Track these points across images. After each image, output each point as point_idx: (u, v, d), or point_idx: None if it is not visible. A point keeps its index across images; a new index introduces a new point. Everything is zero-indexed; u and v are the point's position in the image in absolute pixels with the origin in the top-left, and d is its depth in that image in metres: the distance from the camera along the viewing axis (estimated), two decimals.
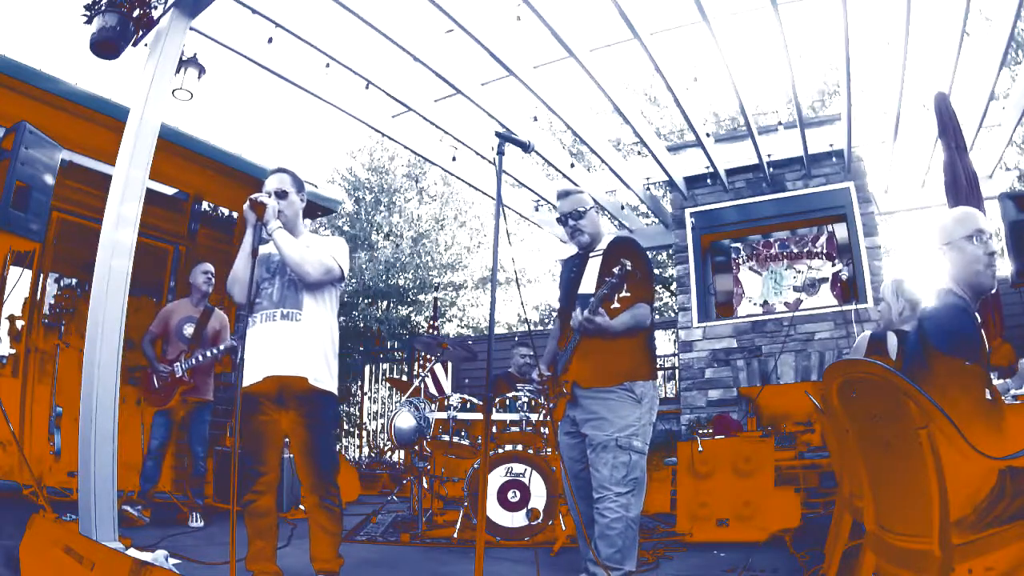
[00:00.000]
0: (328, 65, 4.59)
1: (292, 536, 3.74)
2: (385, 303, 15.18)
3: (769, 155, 6.67)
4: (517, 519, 3.97)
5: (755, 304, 7.07)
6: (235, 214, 6.72)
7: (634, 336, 2.74)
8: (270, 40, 4.19)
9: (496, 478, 4.02)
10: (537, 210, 8.02)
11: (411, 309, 15.49)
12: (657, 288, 12.87)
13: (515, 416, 4.27)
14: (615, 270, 2.56)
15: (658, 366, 5.59)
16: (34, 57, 6.37)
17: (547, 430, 4.22)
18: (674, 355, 9.09)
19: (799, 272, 6.96)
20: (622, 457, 2.60)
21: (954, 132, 4.24)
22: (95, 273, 3.00)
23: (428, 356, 8.28)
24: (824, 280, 6.81)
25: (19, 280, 4.94)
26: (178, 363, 4.41)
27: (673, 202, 7.62)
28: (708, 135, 6.55)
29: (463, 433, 4.39)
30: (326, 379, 2.55)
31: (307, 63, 4.65)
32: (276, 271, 2.61)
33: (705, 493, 4.18)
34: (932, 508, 1.59)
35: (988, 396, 1.79)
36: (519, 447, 4.10)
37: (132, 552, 2.49)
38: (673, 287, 11.84)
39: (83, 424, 2.84)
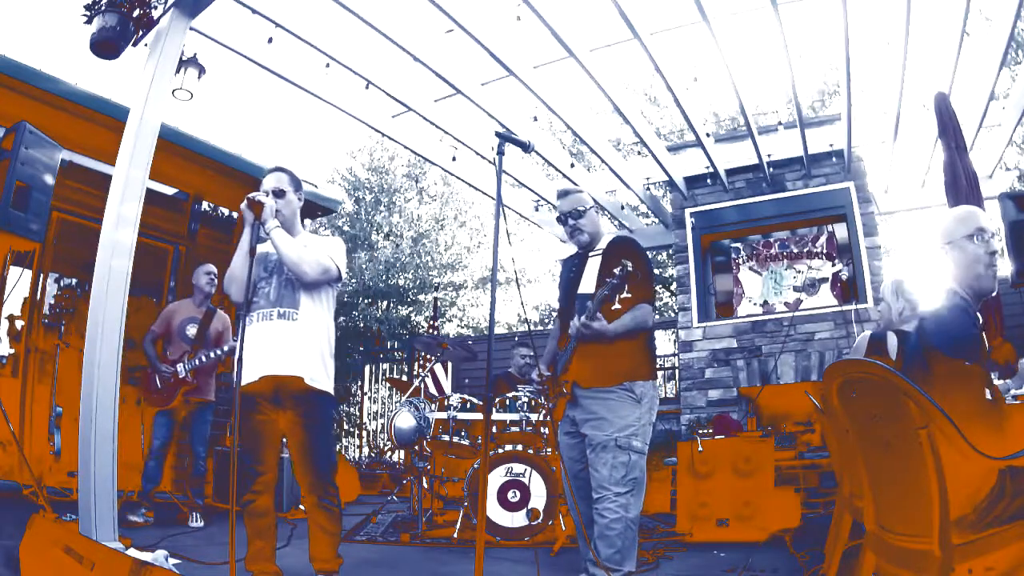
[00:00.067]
0: (328, 65, 4.59)
1: (292, 536, 3.75)
2: (385, 303, 15.17)
3: (769, 155, 6.67)
4: (517, 519, 3.97)
5: (755, 304, 7.07)
6: (235, 214, 6.72)
7: (635, 337, 2.74)
8: (270, 40, 4.19)
9: (496, 478, 4.02)
10: (537, 210, 8.02)
11: (411, 309, 15.48)
12: (657, 288, 12.86)
13: (515, 416, 4.27)
14: (616, 271, 2.55)
15: (658, 366, 5.60)
16: (34, 57, 6.37)
17: (547, 430, 4.22)
18: (674, 355, 9.09)
19: (799, 272, 6.96)
20: (621, 457, 2.60)
21: (954, 132, 4.23)
22: (95, 273, 3.00)
23: (428, 356, 8.28)
24: (824, 280, 6.81)
25: (19, 280, 4.93)
26: (181, 363, 4.41)
27: (673, 202, 7.62)
28: (708, 135, 6.55)
29: (463, 433, 4.39)
30: (322, 379, 2.55)
31: (307, 63, 4.65)
32: (273, 270, 2.61)
33: (705, 493, 4.18)
34: (932, 508, 1.59)
35: (989, 396, 1.79)
36: (519, 447, 4.10)
37: (132, 552, 2.49)
38: (673, 287, 11.84)
39: (83, 424, 2.84)
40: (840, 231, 6.83)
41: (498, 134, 2.36)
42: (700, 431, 5.42)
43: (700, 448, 4.25)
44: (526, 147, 2.42)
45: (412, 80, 5.04)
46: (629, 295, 2.61)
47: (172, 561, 2.77)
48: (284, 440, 2.68)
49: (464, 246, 16.51)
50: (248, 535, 2.53)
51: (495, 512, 3.98)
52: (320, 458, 2.54)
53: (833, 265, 6.81)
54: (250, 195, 2.52)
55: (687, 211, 7.39)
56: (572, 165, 6.60)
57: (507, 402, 4.35)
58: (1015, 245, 3.62)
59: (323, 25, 4.35)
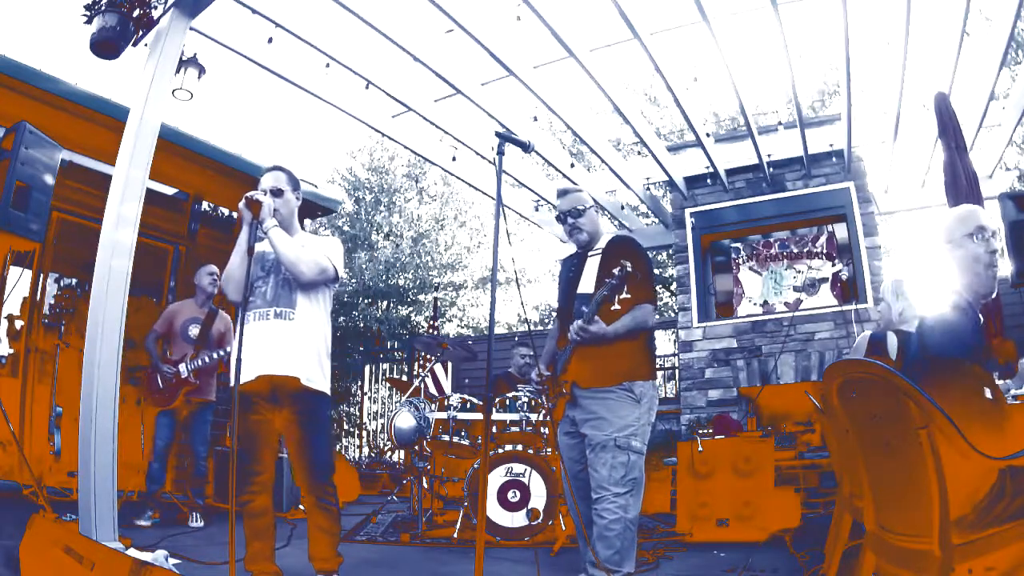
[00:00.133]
0: (328, 65, 4.59)
1: (292, 536, 3.74)
2: (385, 303, 15.17)
3: (769, 155, 6.67)
4: (517, 519, 3.97)
5: (755, 304, 7.07)
6: (235, 214, 6.72)
7: (635, 337, 2.73)
8: (270, 40, 4.19)
9: (496, 478, 4.02)
10: (537, 210, 8.02)
11: (411, 309, 15.48)
12: (657, 288, 12.85)
13: (515, 416, 4.27)
14: (615, 271, 2.55)
15: (658, 366, 5.59)
16: (34, 57, 6.37)
17: (547, 430, 4.22)
18: (674, 355, 9.09)
19: (799, 272, 6.96)
20: (621, 457, 2.60)
21: (954, 132, 4.23)
22: (95, 273, 3.00)
23: (428, 356, 8.28)
24: (824, 280, 6.81)
25: (19, 280, 4.94)
26: (183, 364, 4.41)
27: (673, 202, 7.62)
28: (708, 135, 6.55)
29: (463, 433, 4.39)
30: (319, 379, 2.54)
31: (307, 63, 4.65)
32: (271, 269, 2.60)
33: (705, 493, 4.18)
34: (932, 508, 1.58)
35: (990, 395, 1.79)
36: (519, 447, 4.10)
37: (132, 552, 2.49)
38: (673, 287, 11.83)
39: (83, 424, 2.84)
40: (840, 231, 6.83)
41: (498, 134, 2.36)
42: (700, 431, 5.42)
43: (700, 448, 4.24)
44: (526, 147, 2.42)
45: (412, 80, 5.04)
46: (628, 296, 2.61)
47: (172, 561, 2.77)
48: (282, 440, 2.68)
49: (464, 246, 16.52)
50: (246, 536, 2.52)
51: (495, 512, 3.98)
52: (317, 458, 2.53)
53: (833, 265, 6.81)
54: (248, 194, 2.51)
55: (687, 211, 7.39)
56: (572, 165, 6.60)
57: (507, 402, 4.35)
58: (1015, 245, 3.62)
59: (323, 25, 4.35)
